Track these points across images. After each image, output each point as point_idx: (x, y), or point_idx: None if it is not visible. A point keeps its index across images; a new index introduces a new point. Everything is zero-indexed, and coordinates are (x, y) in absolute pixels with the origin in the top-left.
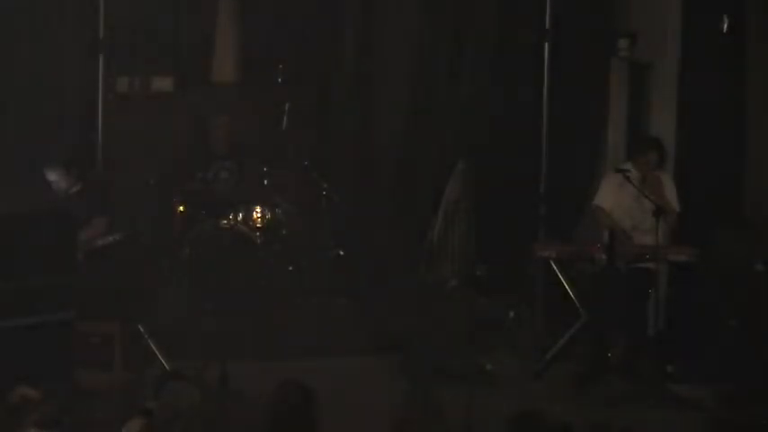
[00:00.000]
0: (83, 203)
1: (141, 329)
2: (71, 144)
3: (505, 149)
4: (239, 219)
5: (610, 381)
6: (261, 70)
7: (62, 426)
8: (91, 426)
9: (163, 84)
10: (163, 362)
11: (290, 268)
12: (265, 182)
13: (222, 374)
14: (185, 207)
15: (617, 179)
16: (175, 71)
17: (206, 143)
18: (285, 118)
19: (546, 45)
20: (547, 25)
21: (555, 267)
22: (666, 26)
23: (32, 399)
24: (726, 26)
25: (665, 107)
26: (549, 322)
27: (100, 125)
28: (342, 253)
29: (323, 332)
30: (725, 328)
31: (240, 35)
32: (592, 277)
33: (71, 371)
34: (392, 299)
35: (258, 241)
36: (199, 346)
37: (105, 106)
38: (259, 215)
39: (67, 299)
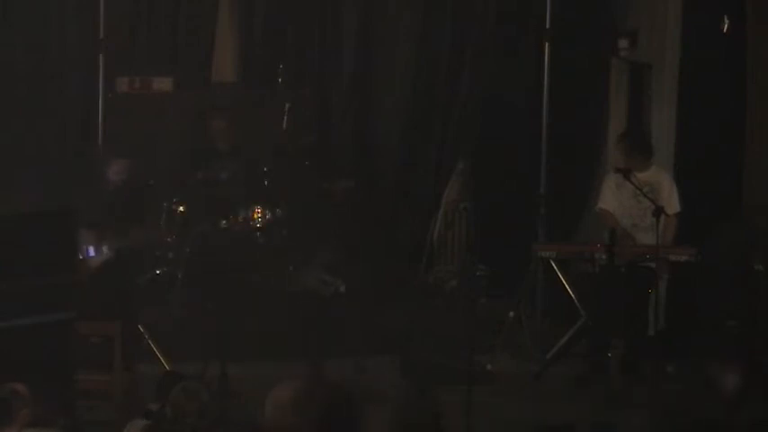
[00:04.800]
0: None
1: (141, 329)
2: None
3: (505, 149)
4: (239, 219)
5: (610, 381)
6: (261, 70)
7: (59, 425)
8: (91, 426)
9: (163, 84)
10: (163, 362)
11: (291, 268)
12: (265, 182)
13: (222, 374)
14: (185, 207)
15: (616, 179)
16: (175, 71)
17: (206, 143)
18: (285, 118)
19: (546, 45)
20: (547, 25)
21: (555, 267)
22: (666, 26)
23: (23, 394)
24: (726, 26)
25: (665, 107)
26: (549, 322)
27: (100, 125)
28: (342, 253)
29: (323, 332)
30: (724, 328)
31: (240, 35)
32: (592, 277)
33: (71, 371)
34: (392, 299)
35: (258, 241)
36: (199, 346)
37: (105, 106)
38: (259, 215)
39: (67, 299)
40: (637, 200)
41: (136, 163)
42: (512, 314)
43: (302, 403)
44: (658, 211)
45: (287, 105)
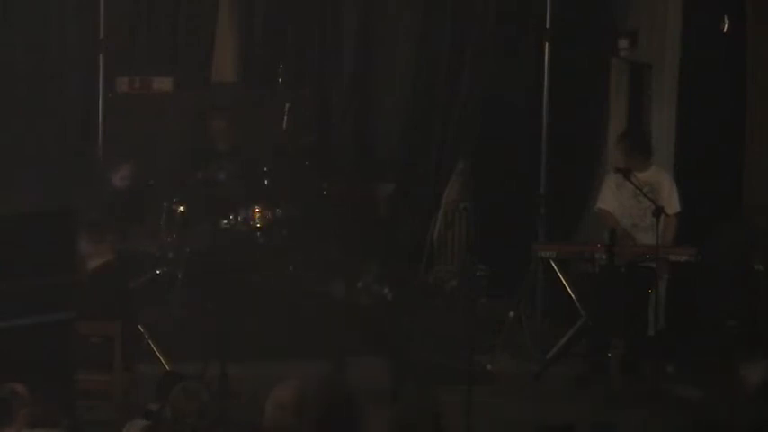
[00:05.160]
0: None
1: (141, 329)
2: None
3: (505, 149)
4: (239, 219)
5: (610, 381)
6: (261, 70)
7: (60, 426)
8: (91, 426)
9: (163, 84)
10: (163, 362)
11: (291, 268)
12: (265, 182)
13: (222, 374)
14: (185, 207)
15: (616, 179)
16: (175, 71)
17: (206, 143)
18: (285, 118)
19: (546, 45)
20: (547, 25)
21: (555, 267)
22: (666, 26)
23: (22, 394)
24: (726, 26)
25: (666, 107)
26: (549, 322)
27: (100, 125)
28: (342, 253)
29: (323, 332)
30: (724, 328)
31: (240, 35)
32: (592, 277)
33: (71, 371)
34: (392, 299)
35: (258, 241)
36: (199, 346)
37: (105, 106)
38: (259, 215)
39: (67, 299)
40: (636, 200)
41: (138, 165)
42: (512, 314)
43: (302, 403)
44: (658, 211)
45: (287, 105)
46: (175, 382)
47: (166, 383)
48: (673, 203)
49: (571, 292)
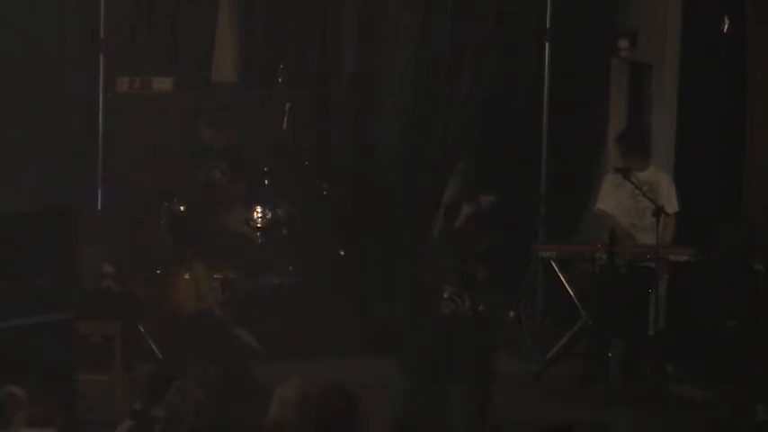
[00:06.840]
0: None
1: (141, 329)
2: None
3: (505, 149)
4: (239, 219)
5: (610, 381)
6: (261, 70)
7: (58, 425)
8: (91, 426)
9: (163, 84)
10: (159, 362)
11: (290, 268)
12: (265, 182)
13: (223, 374)
14: (185, 207)
15: (615, 179)
16: (175, 71)
17: (206, 143)
18: (285, 118)
19: (546, 45)
20: (547, 25)
21: (555, 267)
22: (666, 26)
23: (20, 396)
24: (726, 26)
25: (666, 107)
26: (549, 322)
27: (100, 125)
28: (342, 253)
29: (323, 332)
30: (724, 328)
31: (240, 35)
32: (592, 277)
33: (71, 371)
34: (392, 299)
35: (258, 241)
36: (199, 346)
37: (105, 106)
38: (259, 215)
39: (67, 299)
40: (635, 200)
41: None
42: (512, 314)
43: (305, 402)
44: (659, 211)
45: (287, 105)
46: (165, 383)
47: (154, 384)
48: (672, 203)
49: (571, 292)
